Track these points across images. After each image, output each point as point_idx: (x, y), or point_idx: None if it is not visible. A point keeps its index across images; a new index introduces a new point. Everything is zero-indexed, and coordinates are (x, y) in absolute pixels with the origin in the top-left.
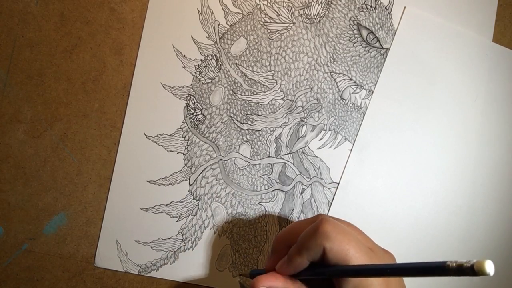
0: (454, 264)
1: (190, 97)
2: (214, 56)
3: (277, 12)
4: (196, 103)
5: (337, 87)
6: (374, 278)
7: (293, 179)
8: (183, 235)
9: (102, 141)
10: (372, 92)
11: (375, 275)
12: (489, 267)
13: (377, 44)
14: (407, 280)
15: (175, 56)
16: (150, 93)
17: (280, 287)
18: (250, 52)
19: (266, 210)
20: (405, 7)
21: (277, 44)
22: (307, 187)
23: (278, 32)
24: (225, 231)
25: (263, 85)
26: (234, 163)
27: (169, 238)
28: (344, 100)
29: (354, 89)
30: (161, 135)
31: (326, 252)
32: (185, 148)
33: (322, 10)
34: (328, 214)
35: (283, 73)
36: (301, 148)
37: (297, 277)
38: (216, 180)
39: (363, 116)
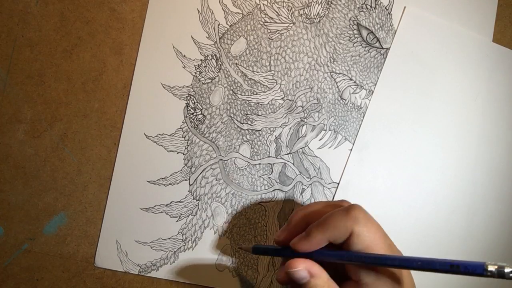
0: (494, 269)
1: (190, 97)
2: (214, 56)
3: (277, 12)
4: (196, 103)
5: (337, 87)
6: (394, 271)
7: (293, 179)
8: (183, 235)
9: (102, 141)
10: (372, 92)
11: (405, 267)
12: None
13: (377, 44)
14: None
15: (175, 56)
16: (150, 93)
17: (317, 273)
18: (250, 52)
19: (266, 210)
20: (405, 7)
21: (277, 44)
22: (307, 187)
23: (278, 32)
24: (225, 231)
25: (263, 85)
26: (234, 163)
27: (169, 238)
28: (344, 100)
29: (354, 89)
30: (161, 135)
31: (354, 236)
32: (185, 148)
33: (322, 10)
34: None
35: (283, 73)
36: (301, 148)
37: (310, 256)
38: (216, 180)
39: (363, 116)
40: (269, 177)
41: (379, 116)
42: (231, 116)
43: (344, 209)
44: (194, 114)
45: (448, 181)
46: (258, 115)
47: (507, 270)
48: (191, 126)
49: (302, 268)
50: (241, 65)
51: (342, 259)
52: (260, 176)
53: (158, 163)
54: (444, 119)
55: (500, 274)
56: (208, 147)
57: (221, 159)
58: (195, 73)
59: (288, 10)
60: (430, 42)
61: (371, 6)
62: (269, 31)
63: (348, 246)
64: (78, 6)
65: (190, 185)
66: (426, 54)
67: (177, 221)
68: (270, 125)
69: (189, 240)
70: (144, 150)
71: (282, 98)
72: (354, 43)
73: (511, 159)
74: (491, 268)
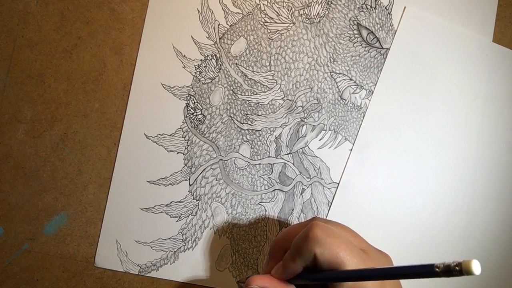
0: (442, 265)
1: (190, 97)
2: (214, 56)
3: (277, 12)
4: (196, 103)
5: (337, 87)
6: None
7: (293, 179)
8: (183, 235)
9: (102, 141)
10: (372, 92)
11: (364, 278)
12: (476, 267)
13: (377, 44)
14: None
15: (175, 56)
16: (150, 93)
17: None
18: (250, 52)
19: (266, 210)
20: (405, 7)
21: (277, 44)
22: (307, 187)
23: (278, 32)
24: (225, 231)
25: (263, 85)
26: (234, 163)
27: (169, 238)
28: (344, 100)
29: (354, 89)
30: (161, 135)
31: (317, 257)
32: (185, 148)
33: (322, 10)
34: (328, 214)
35: (283, 73)
36: (301, 148)
37: (292, 282)
38: (216, 180)
39: (363, 116)
40: (269, 177)
41: (379, 116)
42: (231, 116)
43: (304, 232)
44: (194, 114)
45: (448, 181)
46: (258, 115)
47: (453, 266)
48: (191, 126)
49: (255, 285)
50: (241, 65)
51: (313, 281)
52: (260, 176)
53: (158, 163)
54: (444, 119)
55: (447, 269)
56: (208, 147)
57: (221, 159)
58: (195, 73)
59: (288, 10)
60: (430, 42)
61: (371, 6)
62: (269, 31)
63: (319, 266)
64: (78, 6)
65: (190, 185)
66: (426, 54)
67: (177, 221)
68: (270, 125)
69: (189, 240)
70: (144, 150)
71: (282, 98)
72: (354, 43)
73: (511, 159)
74: (440, 266)
